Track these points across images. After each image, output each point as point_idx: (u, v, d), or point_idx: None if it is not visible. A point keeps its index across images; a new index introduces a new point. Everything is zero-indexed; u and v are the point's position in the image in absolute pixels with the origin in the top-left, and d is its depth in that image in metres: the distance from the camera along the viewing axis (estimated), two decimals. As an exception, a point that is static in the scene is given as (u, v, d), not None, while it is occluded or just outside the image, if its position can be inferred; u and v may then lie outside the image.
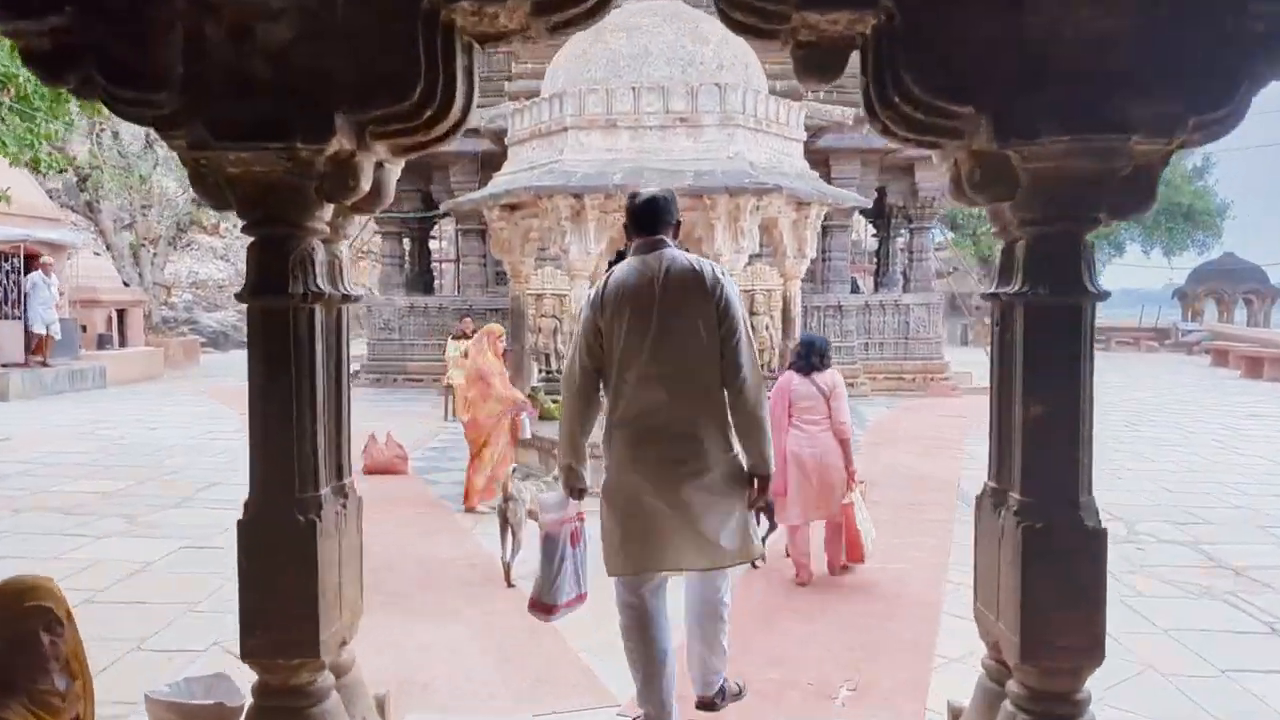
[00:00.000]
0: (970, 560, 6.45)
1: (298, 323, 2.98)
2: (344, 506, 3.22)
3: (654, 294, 3.21)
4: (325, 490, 3.07)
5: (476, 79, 3.06)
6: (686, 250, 3.49)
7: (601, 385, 3.39)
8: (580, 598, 3.66)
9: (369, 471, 10.04)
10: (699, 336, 3.23)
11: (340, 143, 2.83)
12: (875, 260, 21.82)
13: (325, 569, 3.00)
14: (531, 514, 6.64)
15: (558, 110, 9.36)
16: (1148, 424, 14.82)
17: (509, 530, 6.44)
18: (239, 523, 3.01)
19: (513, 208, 10.07)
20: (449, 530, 7.90)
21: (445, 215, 19.23)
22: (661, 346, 3.19)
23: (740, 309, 3.35)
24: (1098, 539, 2.91)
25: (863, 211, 17.73)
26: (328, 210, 3.07)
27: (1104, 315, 51.11)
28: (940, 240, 31.60)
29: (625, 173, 8.91)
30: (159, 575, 6.60)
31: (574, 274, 9.31)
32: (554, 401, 11.08)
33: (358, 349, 20.88)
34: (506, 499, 6.42)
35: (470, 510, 8.40)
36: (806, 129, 10.60)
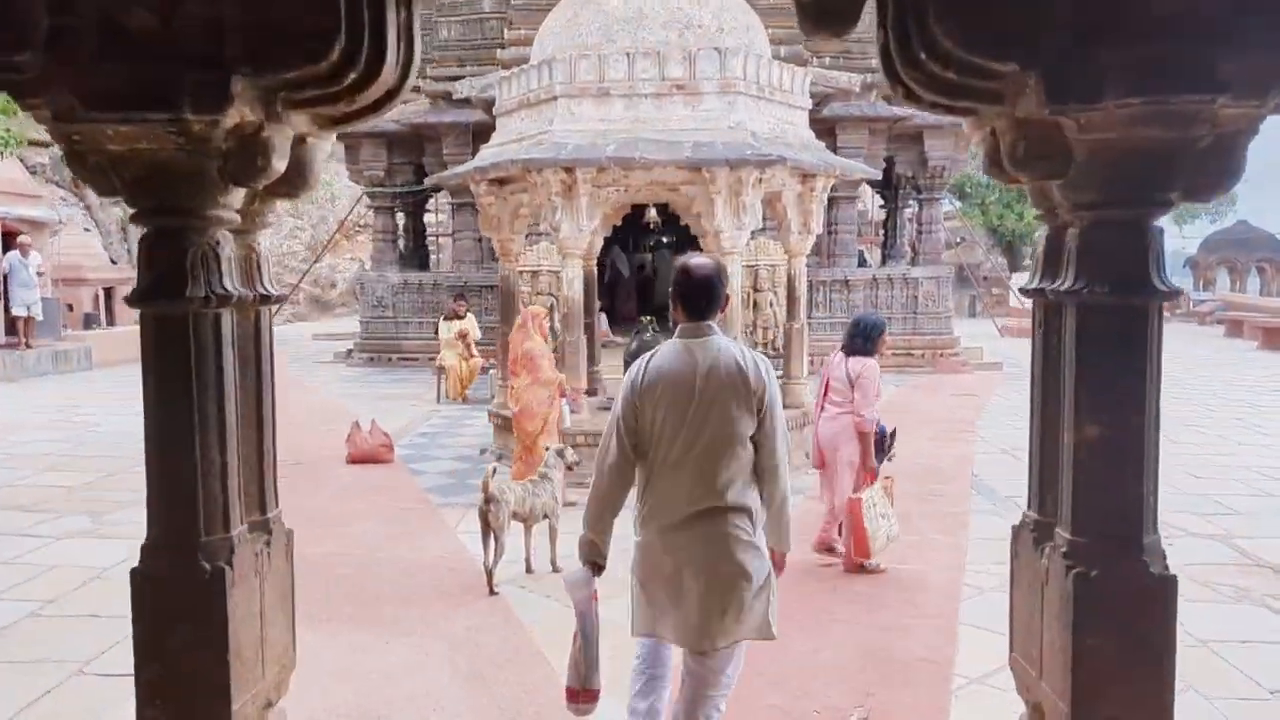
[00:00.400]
0: (988, 560, 5.97)
1: (199, 331, 2.48)
2: (267, 544, 2.73)
3: (694, 387, 3.11)
4: (239, 530, 2.58)
5: (419, 38, 2.53)
6: (734, 339, 3.47)
7: (637, 466, 3.27)
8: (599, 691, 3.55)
9: (353, 461, 9.57)
10: (735, 433, 3.11)
11: (242, 112, 2.32)
12: (883, 232, 21.20)
13: (241, 625, 2.51)
14: (516, 515, 6.17)
15: (547, 78, 8.79)
16: (1168, 399, 14.24)
17: (491, 534, 5.96)
18: (131, 572, 2.52)
19: (501, 182, 9.52)
20: (432, 528, 7.43)
21: (435, 190, 18.65)
22: (697, 439, 3.09)
23: (779, 405, 3.23)
24: (1166, 588, 2.42)
25: (869, 181, 17.12)
26: (236, 195, 2.56)
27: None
28: (948, 209, 30.99)
29: (619, 144, 8.35)
30: (115, 583, 6.12)
31: (566, 253, 8.78)
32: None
33: (351, 327, 20.41)
34: (488, 500, 5.94)
35: None
36: (811, 96, 10.01)
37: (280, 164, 2.50)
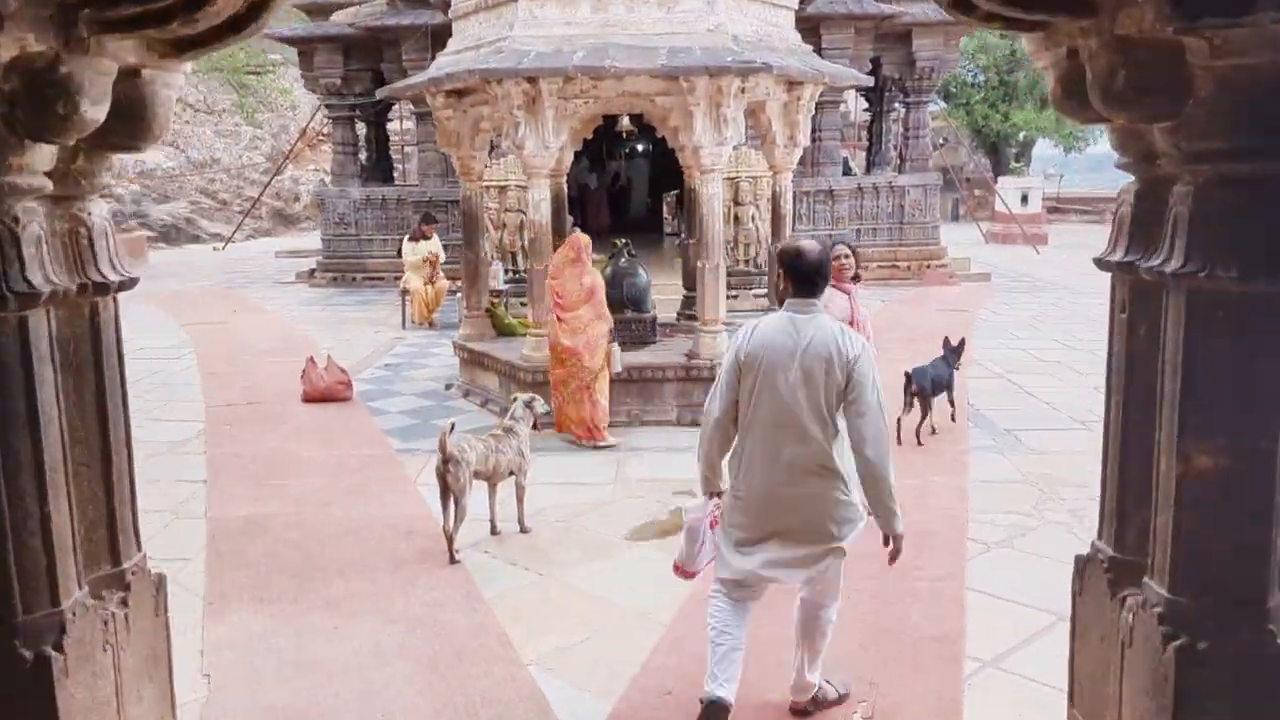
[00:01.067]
0: (993, 508, 5.55)
1: (-1, 343, 1.82)
2: (124, 604, 2.11)
3: (793, 358, 3.46)
4: (76, 597, 1.96)
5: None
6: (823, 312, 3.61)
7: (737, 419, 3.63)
8: (710, 561, 3.90)
9: (308, 399, 8.93)
10: (825, 403, 3.47)
11: (22, 40, 1.62)
12: (867, 136, 20.33)
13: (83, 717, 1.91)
14: (479, 474, 5.59)
15: (506, -24, 7.93)
16: None
17: (450, 497, 5.38)
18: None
19: (459, 94, 8.70)
20: (390, 480, 6.85)
21: (385, 101, 17.60)
22: (791, 406, 3.45)
23: (870, 381, 3.47)
24: (1296, 664, 1.84)
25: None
26: (41, 154, 1.86)
27: (1107, 186, 49.41)
28: (932, 110, 30.02)
29: (587, 51, 7.54)
30: None
31: (531, 172, 8.02)
32: (516, 317, 9.94)
33: (317, 243, 19.55)
34: (446, 461, 5.34)
35: (601, 446, 7.56)
36: (796, -6, 9.17)
37: (95, 109, 1.82)
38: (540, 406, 6.10)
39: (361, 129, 18.56)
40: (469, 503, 5.40)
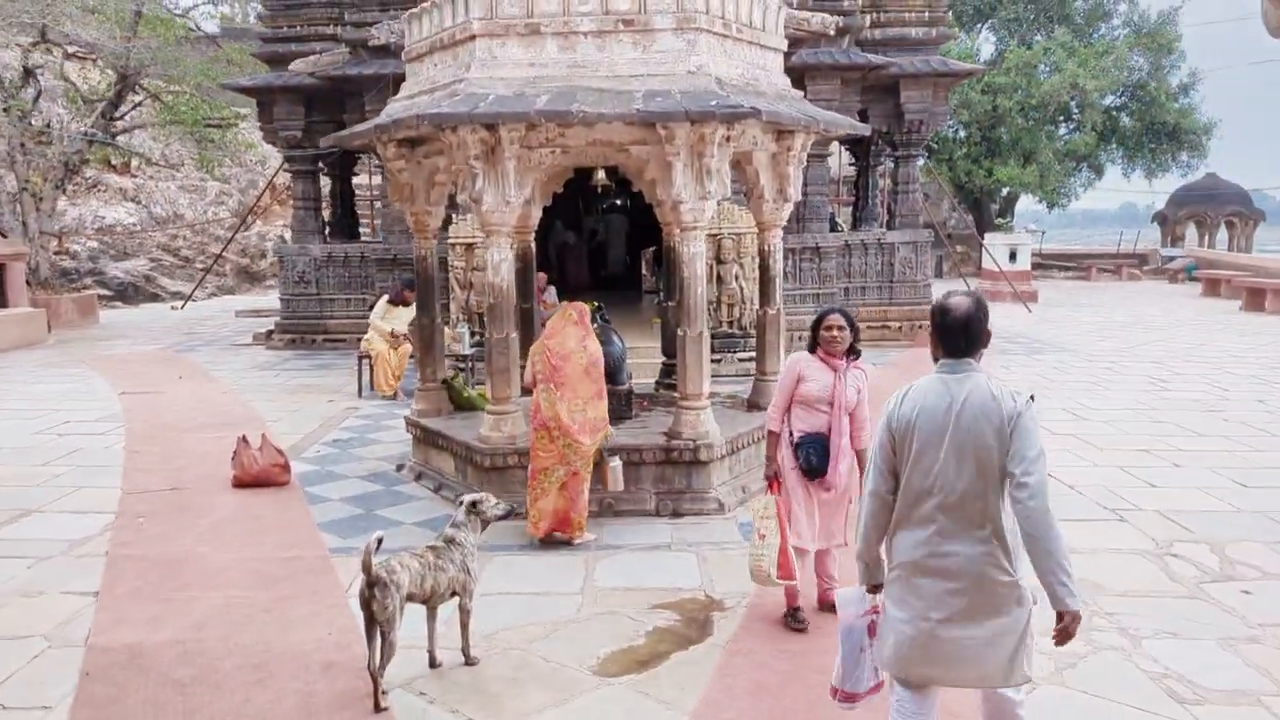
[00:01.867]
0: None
1: None
2: None
3: (948, 423, 3.21)
4: None
5: None
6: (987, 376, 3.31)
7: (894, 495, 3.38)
8: (878, 686, 3.62)
9: (239, 485, 7.90)
10: (988, 470, 3.17)
11: None
12: (854, 192, 19.61)
13: None
14: (413, 598, 4.57)
15: (463, 12, 7.06)
16: (1175, 377, 12.95)
17: (376, 629, 4.36)
18: None
19: (412, 143, 7.82)
20: (317, 590, 5.80)
21: (349, 153, 16.75)
22: (947, 475, 3.20)
23: (1038, 440, 3.13)
24: None
25: (838, 139, 15.51)
26: None
27: (1082, 241, 49.31)
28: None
29: (552, 94, 6.68)
30: None
31: (490, 229, 7.11)
32: (480, 387, 8.96)
33: (248, 303, 18.54)
34: (371, 585, 4.33)
35: (575, 544, 6.56)
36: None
37: None
38: (493, 509, 5.09)
39: (326, 183, 17.68)
40: (398, 636, 4.38)
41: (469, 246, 12.84)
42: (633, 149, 7.03)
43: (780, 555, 5.11)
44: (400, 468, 8.46)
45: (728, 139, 6.96)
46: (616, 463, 6.83)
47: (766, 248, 8.32)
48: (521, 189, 7.03)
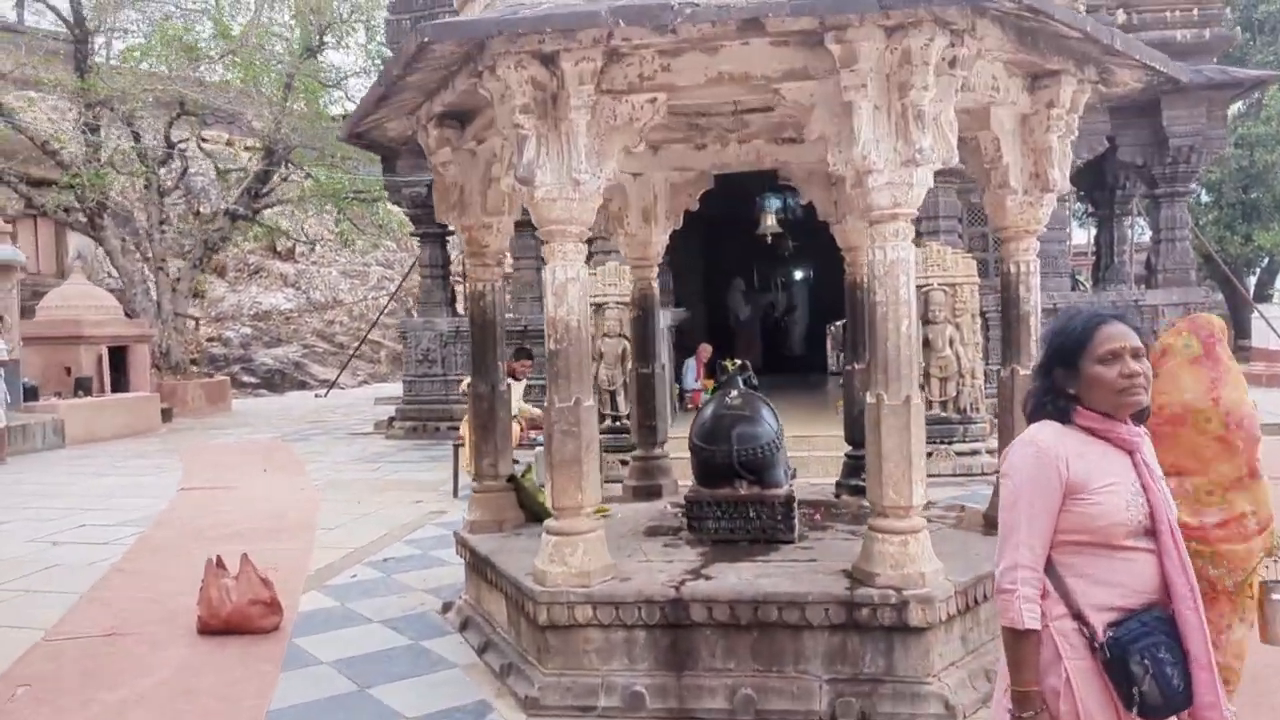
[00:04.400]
0: None
1: None
2: None
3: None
4: None
5: None
6: None
7: None
8: None
9: (205, 630, 5.32)
10: None
11: None
12: (1095, 249, 15.85)
13: None
14: None
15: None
16: None
17: None
18: None
19: (460, 120, 5.24)
20: None
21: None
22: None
23: None
24: None
25: (1072, 180, 12.05)
26: None
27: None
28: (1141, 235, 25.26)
29: None
30: None
31: (550, 229, 4.35)
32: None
33: (394, 390, 16.52)
34: None
35: None
36: None
37: None
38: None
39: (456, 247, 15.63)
40: None
41: (599, 308, 10.18)
42: (785, 86, 4.15)
43: None
44: (448, 608, 5.67)
45: (952, 62, 3.97)
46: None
47: (1012, 270, 5.18)
48: (601, 161, 4.26)
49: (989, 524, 5.16)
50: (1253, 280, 29.77)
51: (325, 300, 25.34)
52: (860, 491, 6.16)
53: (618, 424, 10.05)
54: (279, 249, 25.89)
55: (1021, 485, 2.25)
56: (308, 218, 21.08)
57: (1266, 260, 28.67)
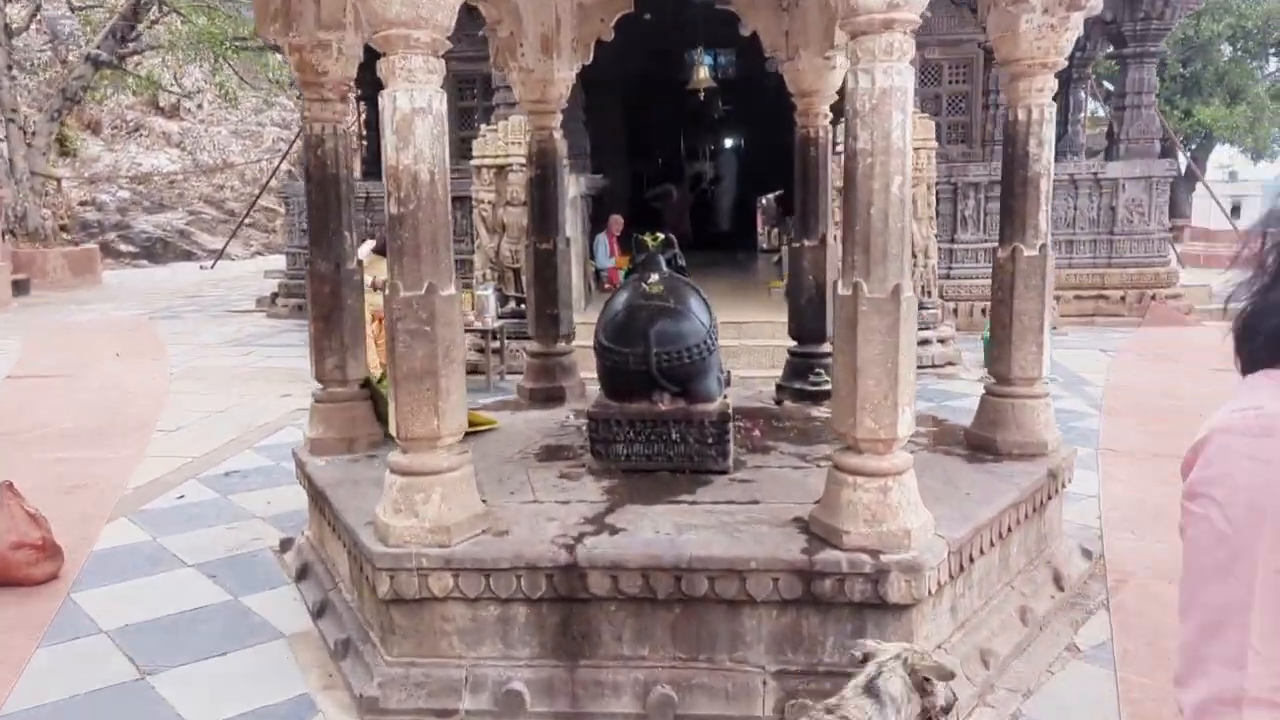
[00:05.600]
0: None
1: None
2: None
3: None
4: None
5: None
6: None
7: None
8: None
9: (-47, 580, 4.03)
10: None
11: None
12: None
13: None
14: None
15: None
16: None
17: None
18: None
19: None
20: None
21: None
22: None
23: None
24: None
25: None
26: None
27: None
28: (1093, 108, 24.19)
29: None
30: None
31: (392, 40, 2.98)
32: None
33: (276, 263, 15.00)
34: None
35: None
36: None
37: None
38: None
39: (361, 108, 13.88)
40: None
41: (500, 170, 8.76)
42: None
43: None
44: (287, 545, 4.45)
45: None
46: None
47: (1023, 117, 3.95)
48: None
49: (976, 447, 4.08)
50: (1182, 159, 29.18)
51: (214, 162, 23.17)
52: (808, 397, 5.06)
53: (523, 307, 8.76)
54: (162, 105, 23.50)
55: (1243, 521, 1.04)
56: (181, 67, 18.85)
57: (1202, 137, 28.01)
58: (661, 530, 3.19)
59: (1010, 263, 3.99)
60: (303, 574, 4.09)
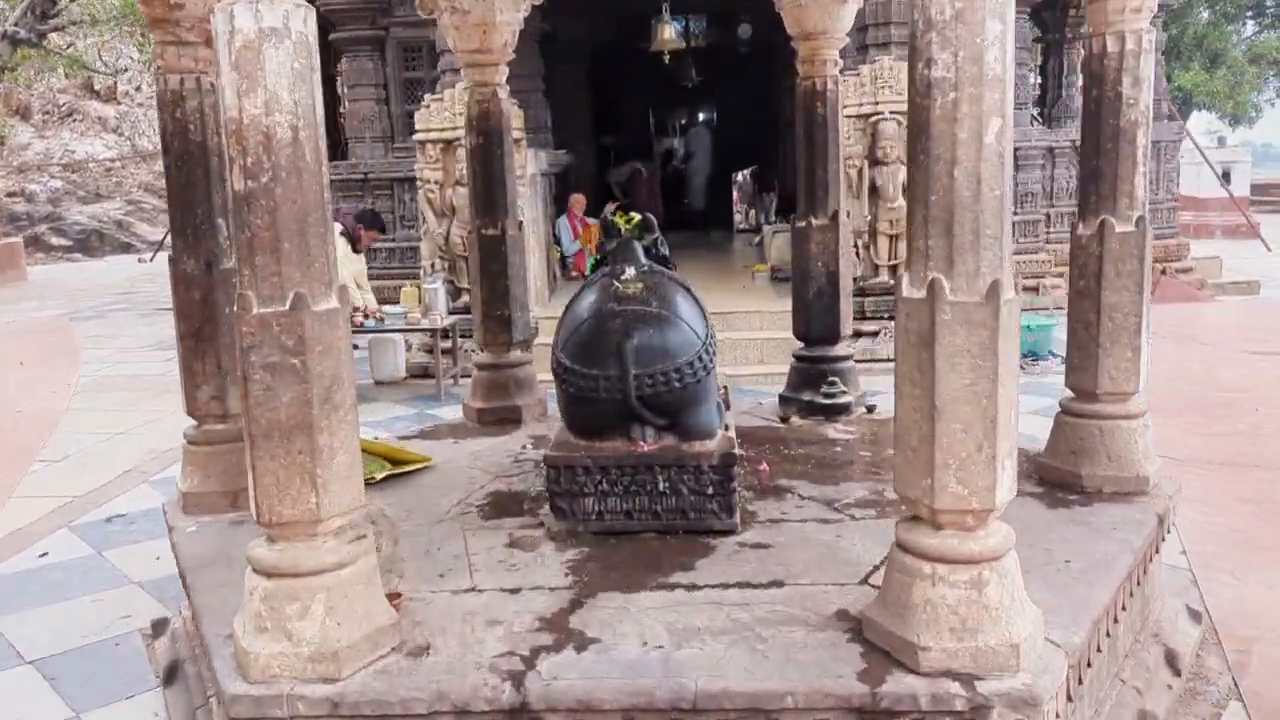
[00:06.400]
0: None
1: None
2: None
3: None
4: None
5: None
6: None
7: None
8: None
9: None
10: None
11: None
12: (1040, 83, 13.80)
13: None
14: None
15: None
16: None
17: None
18: None
19: None
20: None
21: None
22: None
23: None
24: None
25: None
26: None
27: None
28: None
29: None
30: None
31: None
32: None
33: None
34: None
35: None
36: None
37: None
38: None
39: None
40: None
41: (449, 145, 7.71)
42: None
43: None
44: (159, 630, 3.44)
45: None
46: None
47: (1113, 49, 3.00)
48: None
49: (1053, 483, 3.13)
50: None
51: (154, 148, 21.85)
52: (821, 411, 4.09)
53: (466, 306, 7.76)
54: (97, 88, 22.18)
55: None
56: (105, 43, 17.52)
57: (1181, 102, 27.32)
58: (650, 640, 2.22)
59: (1096, 242, 3.04)
60: (171, 676, 3.09)
